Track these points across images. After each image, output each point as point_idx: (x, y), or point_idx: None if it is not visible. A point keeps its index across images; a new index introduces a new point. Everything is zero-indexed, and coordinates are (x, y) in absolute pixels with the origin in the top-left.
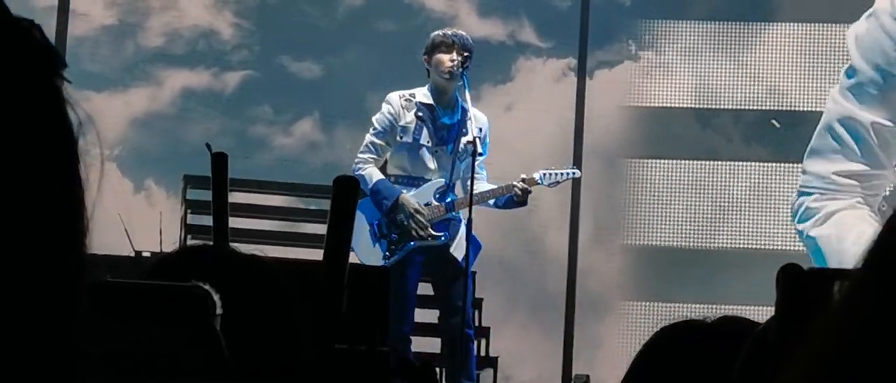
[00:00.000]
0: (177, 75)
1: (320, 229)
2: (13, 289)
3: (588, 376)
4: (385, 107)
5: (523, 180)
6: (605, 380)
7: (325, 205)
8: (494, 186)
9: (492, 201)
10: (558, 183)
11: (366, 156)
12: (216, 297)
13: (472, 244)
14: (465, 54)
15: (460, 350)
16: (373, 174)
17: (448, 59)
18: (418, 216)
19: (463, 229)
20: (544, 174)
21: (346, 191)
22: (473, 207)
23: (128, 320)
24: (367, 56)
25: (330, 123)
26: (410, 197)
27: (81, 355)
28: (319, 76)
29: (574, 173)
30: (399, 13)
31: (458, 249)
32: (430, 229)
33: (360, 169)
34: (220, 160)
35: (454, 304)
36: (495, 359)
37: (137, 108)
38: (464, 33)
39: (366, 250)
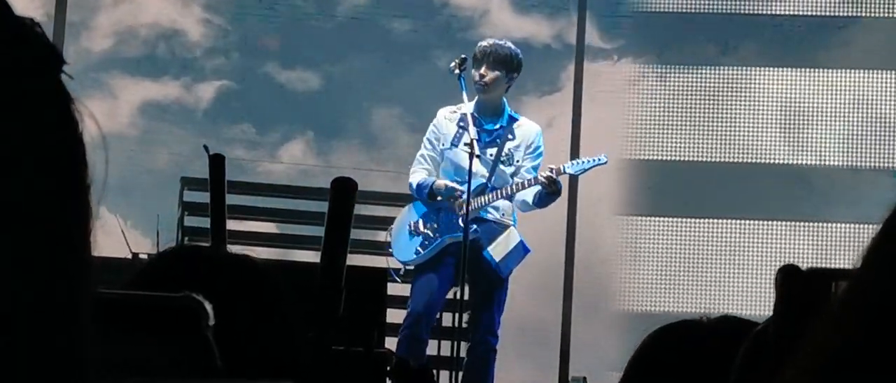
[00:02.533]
0: (135, 86)
1: (318, 231)
2: (16, 290)
3: (585, 378)
4: (433, 123)
5: (550, 169)
6: (603, 382)
7: (324, 207)
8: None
9: (530, 200)
10: (585, 170)
11: (416, 167)
12: (209, 307)
13: (517, 249)
14: (463, 57)
15: (475, 356)
16: (417, 178)
17: (477, 74)
18: (451, 187)
19: (506, 233)
20: (572, 163)
21: (344, 192)
22: (517, 212)
23: (120, 331)
24: (376, 62)
25: (327, 146)
26: (443, 180)
27: (88, 358)
28: (315, 88)
29: (601, 160)
30: (416, 9)
31: (493, 252)
32: (461, 202)
33: (410, 179)
34: (217, 162)
35: (477, 309)
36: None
37: (87, 127)
38: (499, 44)
39: (402, 246)
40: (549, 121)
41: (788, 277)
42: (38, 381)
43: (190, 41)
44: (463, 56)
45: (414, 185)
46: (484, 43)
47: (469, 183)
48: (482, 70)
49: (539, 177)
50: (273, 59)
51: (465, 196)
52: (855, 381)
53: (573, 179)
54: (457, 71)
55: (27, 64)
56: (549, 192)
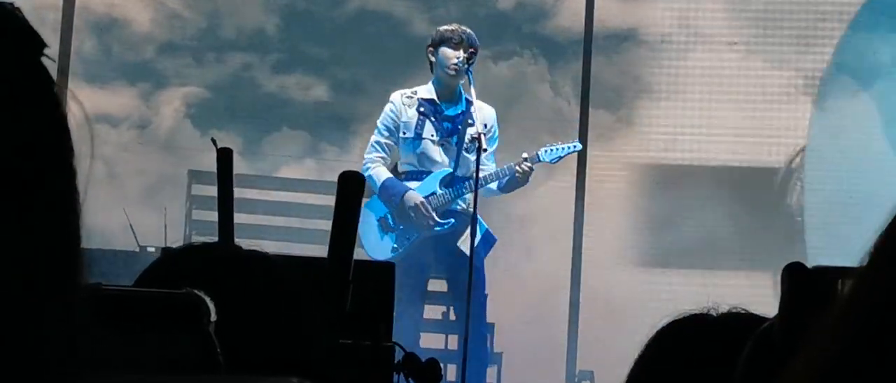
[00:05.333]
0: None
1: (326, 225)
2: (2, 278)
3: (592, 372)
4: (387, 107)
5: (525, 159)
6: (610, 376)
7: (331, 201)
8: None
9: (495, 186)
10: (560, 158)
11: (373, 155)
12: (210, 303)
13: (485, 238)
14: (471, 51)
15: (471, 345)
16: (381, 173)
17: (454, 56)
18: (422, 209)
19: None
20: (546, 150)
21: (352, 187)
22: (480, 199)
23: (122, 328)
24: (399, 65)
25: (333, 172)
26: (415, 192)
27: (81, 347)
28: (320, 98)
29: (575, 147)
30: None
31: (466, 242)
32: (435, 218)
33: (368, 169)
34: (225, 156)
35: (462, 299)
36: (499, 355)
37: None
38: (470, 31)
39: (374, 244)
40: (672, 138)
41: (794, 275)
42: (29, 370)
43: (136, 34)
44: (472, 51)
45: (377, 182)
46: (451, 26)
47: (476, 179)
48: (459, 52)
49: (517, 169)
50: (263, 60)
51: (433, 223)
52: (859, 379)
53: (581, 170)
54: (465, 66)
55: (7, 47)
56: (520, 182)
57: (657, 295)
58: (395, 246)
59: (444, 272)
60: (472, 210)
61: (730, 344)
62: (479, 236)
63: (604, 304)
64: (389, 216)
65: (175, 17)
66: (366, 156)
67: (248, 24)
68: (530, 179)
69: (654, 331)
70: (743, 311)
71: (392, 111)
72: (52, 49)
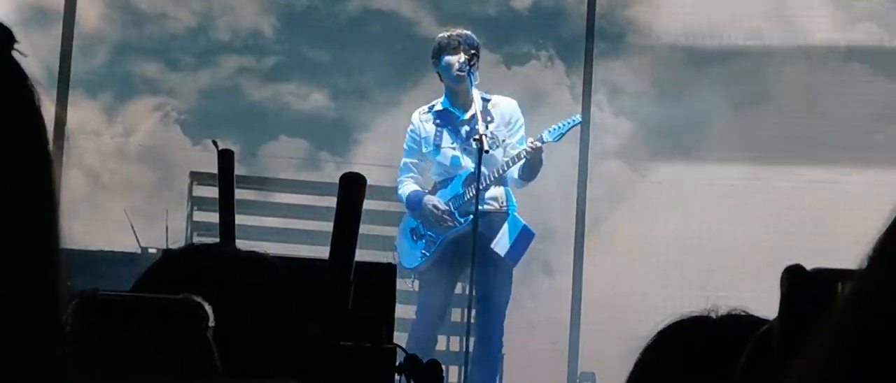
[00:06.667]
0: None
1: (328, 227)
2: None
3: (594, 374)
4: (409, 128)
5: (530, 140)
6: (611, 378)
7: (333, 202)
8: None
9: (516, 175)
10: (563, 134)
11: (403, 177)
12: (208, 309)
13: (523, 235)
14: (472, 52)
15: (484, 350)
16: (407, 190)
17: (455, 61)
18: (438, 209)
19: (507, 224)
20: (548, 131)
21: (353, 188)
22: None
23: (119, 333)
24: (405, 68)
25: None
26: (432, 196)
27: (69, 359)
28: (319, 107)
29: (575, 121)
30: None
31: (499, 245)
32: (454, 216)
33: (399, 189)
34: (226, 157)
35: (486, 302)
36: (502, 357)
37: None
38: (468, 32)
39: (407, 252)
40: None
41: (794, 277)
42: (17, 375)
43: (86, 33)
44: (473, 52)
45: (404, 198)
46: (447, 33)
47: (477, 180)
48: (459, 55)
49: (524, 152)
50: (253, 67)
51: (452, 221)
52: (860, 381)
53: (582, 176)
54: (468, 68)
55: None
56: (532, 165)
57: (658, 295)
58: (424, 251)
59: (474, 274)
60: (503, 210)
61: (729, 346)
62: (514, 236)
63: (605, 305)
64: (420, 226)
65: (168, 19)
66: (397, 179)
67: (242, 24)
68: (543, 160)
69: (654, 333)
70: (743, 313)
71: (412, 131)
72: (52, 56)
